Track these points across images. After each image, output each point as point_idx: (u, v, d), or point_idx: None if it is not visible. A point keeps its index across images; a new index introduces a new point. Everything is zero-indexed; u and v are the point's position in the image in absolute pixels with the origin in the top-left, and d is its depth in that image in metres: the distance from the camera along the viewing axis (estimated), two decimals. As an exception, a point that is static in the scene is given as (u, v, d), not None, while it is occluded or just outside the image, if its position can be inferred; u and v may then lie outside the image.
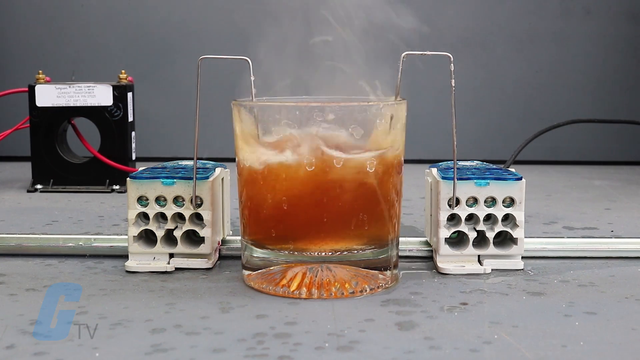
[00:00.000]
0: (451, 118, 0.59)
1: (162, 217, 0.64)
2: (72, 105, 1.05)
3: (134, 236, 0.63)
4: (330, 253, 0.57)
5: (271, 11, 0.61)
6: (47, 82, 1.07)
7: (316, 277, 0.57)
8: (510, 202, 0.63)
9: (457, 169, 0.65)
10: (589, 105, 1.37)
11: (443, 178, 0.63)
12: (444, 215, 0.63)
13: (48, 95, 1.05)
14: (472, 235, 0.63)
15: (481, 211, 0.63)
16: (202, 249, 0.63)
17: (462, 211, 0.63)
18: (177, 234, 0.63)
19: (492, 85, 1.38)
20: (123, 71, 1.08)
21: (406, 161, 0.61)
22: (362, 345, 0.47)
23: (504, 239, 0.64)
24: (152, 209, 0.63)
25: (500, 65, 1.38)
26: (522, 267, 0.64)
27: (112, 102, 1.05)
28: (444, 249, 0.63)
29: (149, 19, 1.38)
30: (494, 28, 1.37)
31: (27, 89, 1.05)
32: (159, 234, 0.63)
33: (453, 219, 0.64)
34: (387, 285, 0.59)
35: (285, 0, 0.61)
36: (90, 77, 1.21)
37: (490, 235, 0.63)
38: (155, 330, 0.49)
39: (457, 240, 0.65)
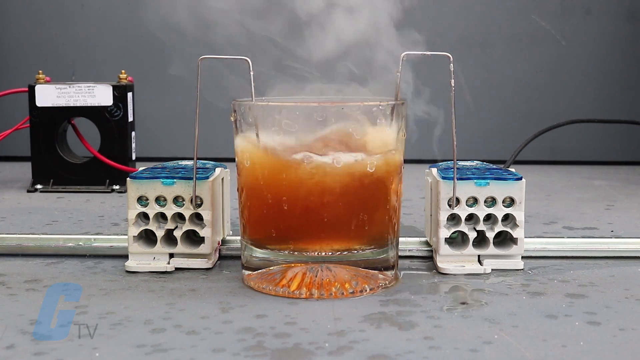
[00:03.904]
0: (451, 118, 0.59)
1: (162, 217, 0.64)
2: (72, 105, 1.05)
3: (134, 236, 0.63)
4: (330, 253, 0.57)
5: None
6: (47, 82, 1.07)
7: (316, 277, 0.57)
8: (510, 202, 0.63)
9: (457, 169, 0.65)
10: (589, 105, 1.37)
11: (443, 178, 0.63)
12: (444, 215, 0.63)
13: (48, 95, 1.05)
14: (472, 235, 0.63)
15: (481, 211, 0.63)
16: (202, 249, 0.63)
17: (462, 211, 0.63)
18: (177, 234, 0.63)
19: (492, 85, 1.38)
20: (123, 71, 1.08)
21: (406, 161, 0.61)
22: (362, 345, 0.47)
23: (504, 239, 0.64)
24: (152, 209, 0.63)
25: (500, 65, 1.38)
26: (522, 267, 0.64)
27: (112, 102, 1.05)
28: (444, 249, 0.63)
29: (149, 19, 1.38)
30: (494, 28, 1.37)
31: (27, 89, 1.05)
32: (159, 234, 0.63)
33: (453, 219, 0.64)
34: (387, 285, 0.59)
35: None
36: (90, 77, 1.20)
37: (490, 235, 0.63)
38: (155, 330, 0.49)
39: (457, 240, 0.65)
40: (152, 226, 0.63)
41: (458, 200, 0.63)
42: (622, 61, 1.38)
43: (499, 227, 0.63)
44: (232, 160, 0.60)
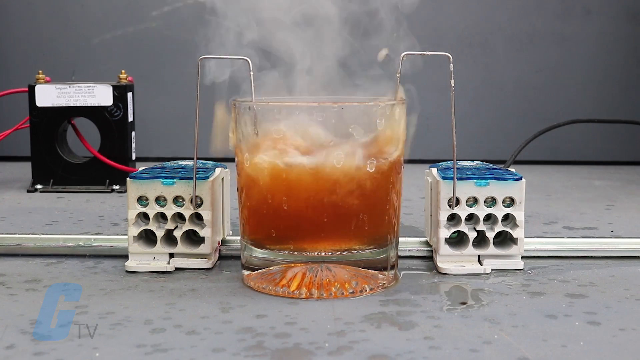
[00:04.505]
0: (451, 118, 0.59)
1: (162, 217, 0.64)
2: (72, 105, 1.05)
3: (134, 236, 0.63)
4: (330, 253, 0.57)
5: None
6: (47, 82, 1.07)
7: (316, 277, 0.57)
8: (510, 202, 0.63)
9: (457, 169, 0.65)
10: (589, 105, 1.37)
11: (443, 178, 0.63)
12: (444, 215, 0.63)
13: (48, 95, 1.05)
14: (472, 235, 0.63)
15: (481, 211, 0.63)
16: (202, 249, 0.63)
17: (462, 211, 0.63)
18: (177, 234, 0.63)
19: (492, 85, 1.38)
20: (123, 71, 1.08)
21: (406, 161, 0.61)
22: (362, 345, 0.47)
23: (504, 239, 0.64)
24: (152, 209, 0.63)
25: (500, 65, 1.38)
26: (522, 267, 0.64)
27: (112, 102, 1.05)
28: (444, 249, 0.63)
29: (149, 19, 1.38)
30: (494, 28, 1.37)
31: (27, 89, 1.05)
32: (159, 234, 0.63)
33: (453, 219, 0.64)
34: (387, 285, 0.59)
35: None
36: (90, 77, 1.21)
37: (490, 235, 0.63)
38: (155, 330, 0.49)
39: (457, 240, 0.65)
40: (152, 226, 0.63)
41: (458, 200, 0.63)
42: (622, 61, 1.38)
43: (499, 227, 0.63)
44: (232, 160, 0.60)
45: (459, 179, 0.62)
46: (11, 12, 1.38)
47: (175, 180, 0.63)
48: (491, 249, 0.63)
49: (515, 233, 0.63)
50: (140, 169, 0.66)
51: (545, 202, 0.97)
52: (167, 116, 1.38)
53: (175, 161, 0.70)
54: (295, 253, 0.57)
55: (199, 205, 0.63)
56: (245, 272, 0.60)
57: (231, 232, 0.72)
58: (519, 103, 1.39)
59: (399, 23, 0.62)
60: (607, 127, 1.35)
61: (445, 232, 0.63)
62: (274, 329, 0.50)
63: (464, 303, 0.55)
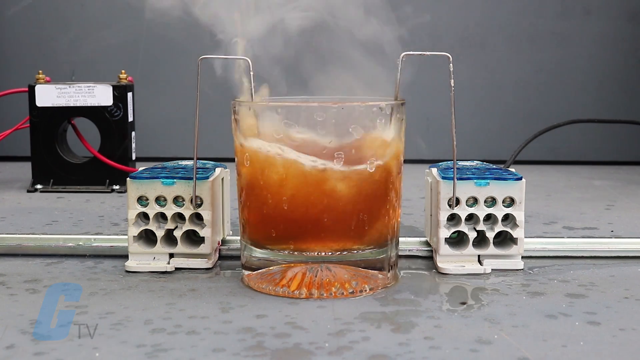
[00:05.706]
0: (451, 118, 0.59)
1: (162, 217, 0.64)
2: (72, 105, 1.05)
3: (134, 236, 0.63)
4: (330, 253, 0.57)
5: None
6: (47, 82, 1.07)
7: (316, 277, 0.57)
8: (510, 202, 0.63)
9: (457, 169, 0.65)
10: (589, 105, 1.37)
11: (443, 178, 0.63)
12: (444, 215, 0.63)
13: (48, 95, 1.05)
14: (472, 235, 0.63)
15: (481, 211, 0.63)
16: (202, 249, 0.63)
17: (462, 211, 0.63)
18: (177, 234, 0.63)
19: (492, 85, 1.38)
20: (123, 71, 1.08)
21: (406, 161, 0.61)
22: (362, 345, 0.47)
23: (504, 239, 0.64)
24: (152, 209, 0.63)
25: (500, 65, 1.38)
26: (522, 267, 0.64)
27: (112, 102, 1.05)
28: (444, 249, 0.63)
29: (149, 18, 1.38)
30: (494, 28, 1.37)
31: (27, 89, 1.05)
32: (159, 234, 0.63)
33: (453, 219, 0.64)
34: (387, 285, 0.59)
35: None
36: (90, 77, 1.20)
37: (490, 235, 0.63)
38: (155, 330, 0.49)
39: (457, 240, 0.65)
40: (152, 226, 0.63)
41: (458, 200, 0.63)
42: (622, 61, 1.38)
43: (499, 227, 0.63)
44: (232, 160, 0.60)
45: (459, 179, 0.62)
46: (11, 12, 1.38)
47: (175, 180, 0.63)
48: (491, 249, 0.63)
49: (515, 233, 0.63)
50: (140, 169, 0.66)
51: (545, 202, 0.97)
52: (167, 116, 1.38)
53: (175, 161, 0.70)
54: (295, 253, 0.57)
55: (199, 205, 0.63)
56: (245, 272, 0.60)
57: (231, 232, 0.72)
58: (519, 103, 1.39)
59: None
60: (607, 127, 1.35)
61: (445, 232, 0.63)
62: (274, 329, 0.50)
63: (464, 303, 0.55)
